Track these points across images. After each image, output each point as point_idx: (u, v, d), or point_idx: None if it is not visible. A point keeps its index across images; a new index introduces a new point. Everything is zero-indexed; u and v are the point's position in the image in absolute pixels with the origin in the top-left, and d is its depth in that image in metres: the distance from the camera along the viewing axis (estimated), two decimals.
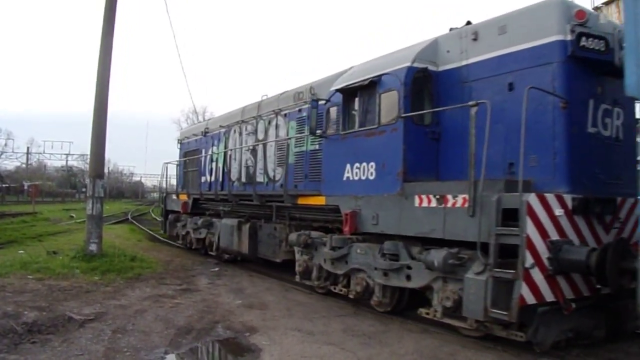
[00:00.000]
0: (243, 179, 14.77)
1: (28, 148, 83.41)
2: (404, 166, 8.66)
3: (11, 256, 14.16)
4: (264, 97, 14.71)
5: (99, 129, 14.35)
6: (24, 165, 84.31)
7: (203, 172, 17.89)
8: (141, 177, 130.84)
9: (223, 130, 16.51)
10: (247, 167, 14.56)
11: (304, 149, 11.96)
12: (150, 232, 26.68)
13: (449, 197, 7.67)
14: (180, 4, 61.55)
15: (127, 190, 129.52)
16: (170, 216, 20.67)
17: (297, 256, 11.30)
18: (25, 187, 67.03)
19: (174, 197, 20.54)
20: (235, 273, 13.79)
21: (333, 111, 10.55)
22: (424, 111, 9.00)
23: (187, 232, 18.49)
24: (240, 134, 15.35)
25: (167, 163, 21.16)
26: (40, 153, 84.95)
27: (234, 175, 15.35)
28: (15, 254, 14.57)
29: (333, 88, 10.56)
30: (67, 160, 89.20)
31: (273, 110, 13.54)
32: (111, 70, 14.58)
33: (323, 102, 10.76)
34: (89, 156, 15.60)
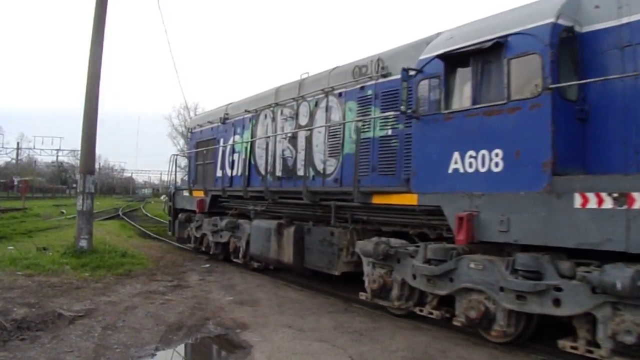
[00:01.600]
0: (278, 173, 12.56)
1: (18, 143, 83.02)
2: (554, 155, 6.60)
3: (0, 252, 14.05)
4: (304, 76, 12.51)
5: (89, 124, 14.28)
6: (13, 161, 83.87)
7: (221, 164, 15.60)
8: (132, 173, 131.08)
9: (249, 115, 14.29)
10: (285, 159, 12.41)
11: (369, 135, 9.78)
12: (141, 228, 26.62)
13: (636, 195, 5.81)
14: (172, 0, 61.26)
15: (118, 186, 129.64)
16: (180, 215, 17.83)
17: (368, 269, 9.14)
18: (15, 183, 66.70)
19: (186, 193, 17.72)
20: (226, 270, 13.75)
21: (425, 85, 8.33)
22: (583, 81, 6.93)
23: (204, 235, 16.04)
24: (274, 119, 13.14)
25: (175, 155, 19.03)
26: (30, 148, 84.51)
27: (264, 169, 13.00)
28: (5, 250, 14.46)
29: (428, 55, 8.31)
30: (57, 156, 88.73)
31: (322, 90, 11.33)
32: (102, 65, 14.52)
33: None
34: (79, 152, 15.51)
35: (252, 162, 13.70)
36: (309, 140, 11.34)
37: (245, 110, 14.43)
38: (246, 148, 14.06)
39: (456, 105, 7.89)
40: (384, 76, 9.62)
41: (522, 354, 6.92)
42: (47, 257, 13.29)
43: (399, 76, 8.60)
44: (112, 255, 13.92)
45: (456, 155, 7.65)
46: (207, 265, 14.37)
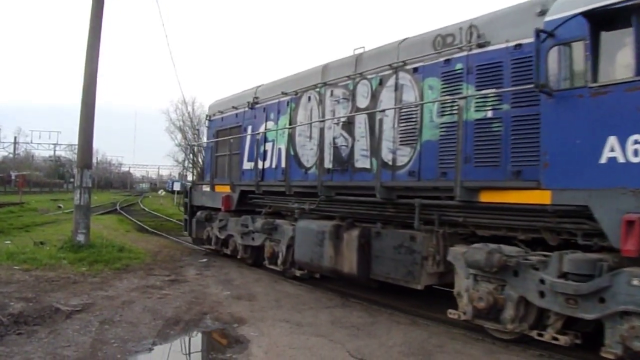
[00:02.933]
0: (328, 165, 10.61)
1: (15, 138, 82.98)
2: None
3: None
4: (358, 50, 10.74)
5: (86, 119, 14.24)
6: (11, 155, 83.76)
7: (249, 155, 13.84)
8: (130, 167, 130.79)
9: (286, 98, 12.50)
10: (337, 148, 10.57)
11: (459, 118, 7.79)
12: (138, 222, 26.62)
13: None
14: None
15: (115, 181, 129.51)
16: (199, 214, 15.76)
17: (467, 283, 7.46)
18: (13, 177, 66.60)
19: (206, 188, 15.85)
20: (224, 264, 13.73)
21: (558, 53, 6.71)
22: None
23: (229, 237, 14.31)
24: (321, 101, 11.27)
25: (192, 145, 17.49)
26: (27, 143, 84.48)
27: (308, 160, 11.42)
28: (2, 245, 14.42)
29: (562, 14, 6.61)
30: (54, 150, 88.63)
31: (389, 65, 9.54)
32: (99, 59, 14.47)
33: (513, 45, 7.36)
34: (77, 146, 15.49)
35: (292, 152, 11.79)
36: (371, 125, 9.74)
37: (282, 93, 12.62)
38: (283, 136, 12.30)
39: (609, 76, 6.25)
40: (480, 46, 7.98)
41: (518, 349, 6.93)
42: (45, 251, 13.26)
43: (501, 45, 7.57)
44: (110, 249, 13.90)
45: (612, 140, 6.03)
46: (205, 260, 14.36)
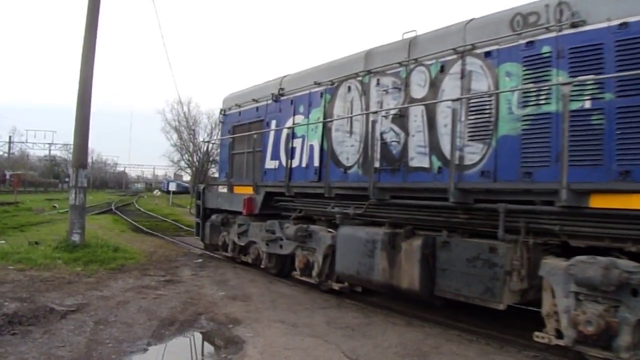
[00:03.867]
0: (375, 163, 9.19)
1: (10, 137, 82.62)
2: None
3: None
4: (408, 34, 9.48)
5: (82, 118, 14.21)
6: (6, 155, 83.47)
7: (273, 153, 12.42)
8: (125, 167, 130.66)
9: (319, 89, 11.14)
10: (386, 144, 9.25)
11: (549, 108, 6.96)
12: (134, 223, 26.55)
13: None
14: None
15: (110, 181, 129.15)
16: (214, 217, 14.38)
17: (567, 303, 6.35)
18: (7, 177, 66.40)
19: (222, 189, 14.43)
20: (219, 265, 13.72)
21: None
22: None
23: (250, 244, 12.88)
24: (365, 92, 9.92)
25: (206, 142, 16.73)
26: (22, 142, 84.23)
27: (348, 158, 10.09)
28: None
29: None
30: (50, 150, 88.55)
31: (453, 50, 8.29)
32: (95, 59, 14.44)
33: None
34: (72, 146, 15.45)
35: (327, 149, 10.46)
36: (430, 118, 8.54)
37: (315, 83, 11.23)
38: (316, 131, 11.00)
39: None
40: (574, 25, 6.87)
41: (514, 350, 6.94)
42: (39, 251, 13.21)
43: (601, 24, 6.55)
44: (105, 249, 13.83)
45: None
46: (200, 260, 14.34)
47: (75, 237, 13.80)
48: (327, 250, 10.07)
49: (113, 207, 40.83)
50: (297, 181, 11.26)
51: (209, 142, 15.64)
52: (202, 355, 6.87)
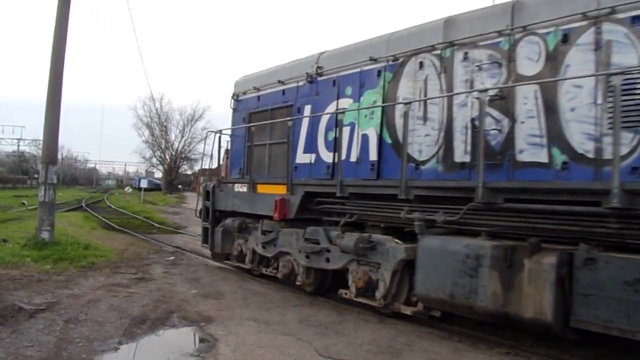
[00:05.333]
0: (458, 157, 7.69)
1: None
2: None
3: None
4: None
5: (52, 114, 14.01)
6: None
7: (307, 145, 10.48)
8: (96, 163, 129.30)
9: (376, 66, 9.23)
10: (478, 133, 7.14)
11: None
12: (104, 220, 26.27)
13: None
14: None
15: (81, 177, 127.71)
16: (228, 221, 12.18)
17: None
18: None
19: (241, 188, 11.90)
20: (191, 262, 13.65)
21: None
22: None
23: (281, 255, 10.51)
24: (444, 69, 8.07)
25: (218, 132, 13.03)
26: None
27: (421, 150, 8.22)
28: None
29: None
30: (18, 146, 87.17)
31: (583, 14, 6.56)
32: (66, 53, 14.25)
33: None
34: (41, 141, 15.23)
35: (388, 139, 8.80)
36: (547, 100, 6.83)
37: (370, 59, 9.31)
38: (371, 117, 9.11)
39: None
40: None
41: (485, 347, 7.02)
42: (7, 249, 13.01)
43: None
44: (75, 247, 13.68)
45: None
46: (172, 258, 14.24)
47: (45, 235, 13.61)
48: (398, 266, 8.04)
49: (83, 204, 40.31)
50: (349, 179, 9.20)
51: (221, 131, 13.01)
52: (174, 353, 6.82)
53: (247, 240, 11.69)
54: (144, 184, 60.85)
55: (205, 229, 13.14)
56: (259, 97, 12.40)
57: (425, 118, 8.22)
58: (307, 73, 10.70)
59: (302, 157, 10.55)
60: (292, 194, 10.24)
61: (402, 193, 7.87)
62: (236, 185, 12.15)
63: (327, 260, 9.27)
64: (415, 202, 7.93)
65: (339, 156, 9.20)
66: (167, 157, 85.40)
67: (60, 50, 14.06)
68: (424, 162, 8.18)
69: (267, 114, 11.81)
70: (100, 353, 6.37)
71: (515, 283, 6.48)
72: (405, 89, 8.67)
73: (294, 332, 7.43)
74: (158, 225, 24.69)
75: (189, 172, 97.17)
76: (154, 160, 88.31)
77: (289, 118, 10.63)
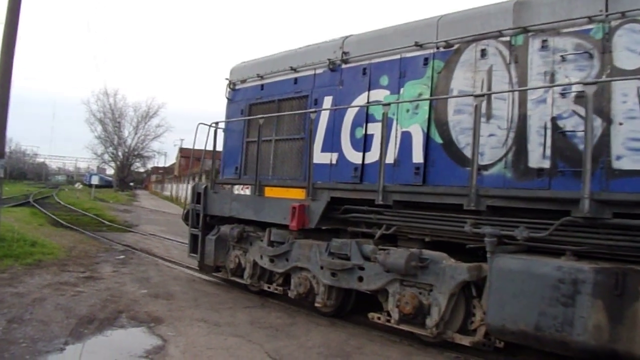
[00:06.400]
0: (534, 162, 6.56)
1: None
2: None
3: None
4: None
5: (0, 105, 13.62)
6: None
7: (327, 142, 9.07)
8: (45, 158, 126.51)
9: (422, 53, 7.97)
10: (565, 135, 6.36)
11: None
12: (53, 216, 25.67)
13: None
14: None
15: (29, 172, 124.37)
16: (223, 229, 10.53)
17: None
18: None
19: (241, 190, 10.31)
20: (141, 261, 13.46)
21: None
22: None
23: (295, 271, 9.03)
24: (516, 58, 6.93)
25: (214, 125, 11.07)
26: None
27: (483, 152, 6.94)
28: None
29: None
30: None
31: None
32: (17, 42, 13.88)
33: None
34: None
35: (438, 139, 7.58)
36: None
37: (416, 44, 7.99)
38: (416, 112, 7.84)
39: None
40: None
41: (435, 351, 7.12)
42: None
43: None
44: (21, 244, 13.37)
45: None
46: (122, 257, 14.01)
47: None
48: (456, 289, 6.88)
49: (31, 200, 39.27)
50: (368, 182, 8.26)
51: (217, 124, 11.03)
52: (122, 355, 6.71)
53: (247, 251, 10.19)
54: (95, 180, 59.93)
55: (193, 237, 11.43)
56: (262, 85, 10.88)
57: (489, 115, 7.00)
58: (328, 59, 9.31)
59: (320, 157, 9.04)
60: (314, 199, 8.76)
61: (471, 203, 6.61)
62: (237, 187, 10.50)
63: (360, 279, 7.89)
64: (475, 213, 6.81)
65: (381, 157, 7.70)
66: (120, 153, 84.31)
67: (11, 39, 13.66)
68: (486, 167, 6.96)
69: (273, 106, 10.41)
70: (44, 354, 6.23)
71: (627, 315, 5.45)
72: (461, 81, 7.47)
73: (244, 334, 7.41)
74: (108, 223, 24.26)
75: (142, 170, 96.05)
76: (106, 156, 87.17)
77: (312, 110, 9.15)
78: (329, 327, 8.13)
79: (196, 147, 12.56)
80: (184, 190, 55.42)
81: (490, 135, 6.95)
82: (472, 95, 6.95)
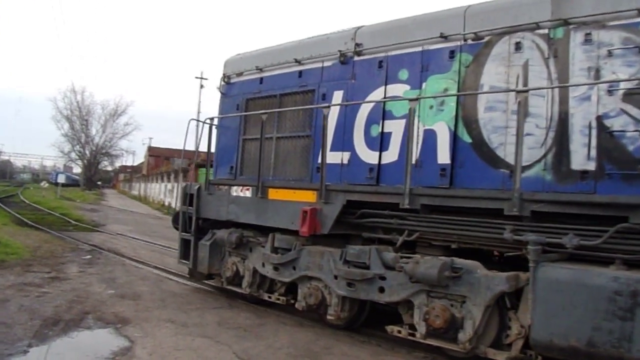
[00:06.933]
0: (577, 165, 6.06)
1: None
2: None
3: None
4: None
5: None
6: None
7: (337, 141, 8.31)
8: (10, 156, 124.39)
9: (447, 45, 7.31)
10: (613, 136, 5.87)
11: None
12: (17, 215, 25.25)
13: None
14: None
15: None
16: (220, 233, 9.64)
17: None
18: None
19: (241, 192, 9.54)
20: (108, 262, 13.31)
21: None
22: None
23: (303, 281, 8.22)
24: (555, 53, 6.40)
25: (209, 120, 10.43)
26: None
27: (526, 154, 6.27)
28: None
29: None
30: None
31: None
32: None
33: None
34: None
35: (467, 138, 6.96)
36: None
37: (441, 36, 7.33)
38: (441, 109, 7.19)
39: None
40: None
41: (404, 351, 7.19)
42: None
43: None
44: None
45: None
46: (88, 257, 13.85)
47: None
48: (492, 301, 6.30)
49: None
50: (386, 183, 7.62)
51: (212, 121, 10.28)
52: (89, 356, 6.63)
53: (246, 258, 9.38)
54: (61, 179, 59.13)
55: (184, 242, 10.54)
56: (261, 79, 10.06)
57: (525, 113, 6.39)
58: (339, 51, 8.55)
59: (331, 156, 8.32)
60: (327, 202, 8.03)
61: (514, 208, 6.10)
62: (235, 187, 9.70)
63: (381, 290, 7.22)
64: (510, 219, 6.28)
65: (408, 157, 7.07)
66: (87, 152, 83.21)
67: None
68: (523, 169, 6.30)
69: (274, 100, 9.60)
70: (7, 357, 6.13)
71: None
72: (492, 76, 6.87)
73: (212, 335, 7.39)
74: (75, 223, 23.93)
75: (110, 169, 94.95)
76: (73, 154, 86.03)
77: (324, 105, 8.36)
78: (296, 328, 8.15)
79: (177, 145, 12.11)
80: (153, 189, 54.99)
81: (527, 134, 6.35)
82: (514, 90, 6.45)
